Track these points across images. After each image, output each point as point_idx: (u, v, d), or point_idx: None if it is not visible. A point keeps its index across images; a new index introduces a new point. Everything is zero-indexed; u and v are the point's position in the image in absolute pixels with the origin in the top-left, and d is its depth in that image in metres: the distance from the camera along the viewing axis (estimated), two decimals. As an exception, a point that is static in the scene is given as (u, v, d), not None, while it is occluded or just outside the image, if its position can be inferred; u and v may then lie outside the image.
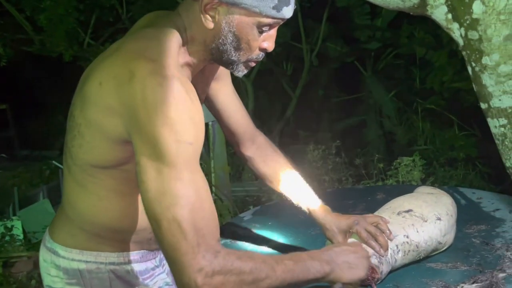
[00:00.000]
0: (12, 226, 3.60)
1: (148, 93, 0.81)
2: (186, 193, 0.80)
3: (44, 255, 1.05)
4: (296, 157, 4.46)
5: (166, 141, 0.80)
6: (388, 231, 1.10)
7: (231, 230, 1.52)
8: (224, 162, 3.28)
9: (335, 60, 5.88)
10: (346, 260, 0.96)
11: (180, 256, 0.78)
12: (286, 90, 5.73)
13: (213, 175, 3.19)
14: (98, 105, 0.88)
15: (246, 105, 5.20)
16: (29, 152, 7.23)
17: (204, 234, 0.80)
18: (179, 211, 0.79)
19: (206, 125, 3.17)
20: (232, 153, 4.27)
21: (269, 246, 1.38)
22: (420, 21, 5.13)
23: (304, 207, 1.20)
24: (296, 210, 1.57)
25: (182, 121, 0.81)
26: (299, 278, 0.87)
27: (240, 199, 3.73)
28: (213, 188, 3.17)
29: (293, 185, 1.22)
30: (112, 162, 0.93)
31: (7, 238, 3.53)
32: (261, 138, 1.26)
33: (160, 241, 0.81)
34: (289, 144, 5.33)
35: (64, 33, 4.19)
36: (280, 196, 1.29)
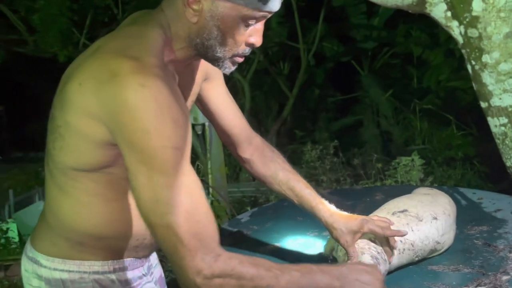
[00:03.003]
0: (8, 228, 3.57)
1: (129, 95, 0.77)
2: (178, 199, 0.78)
3: (25, 265, 1.01)
4: (293, 157, 4.46)
5: (153, 147, 0.78)
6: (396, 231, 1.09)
7: (228, 233, 1.50)
8: (221, 163, 3.25)
9: (332, 59, 5.88)
10: (359, 278, 0.90)
11: (179, 260, 0.78)
12: (282, 90, 5.71)
13: (210, 176, 3.16)
14: (77, 106, 0.84)
15: (242, 105, 5.19)
16: (24, 154, 7.18)
17: (201, 238, 0.78)
18: (174, 218, 0.77)
19: (203, 125, 3.14)
20: (229, 154, 4.24)
21: (266, 249, 1.36)
22: (417, 20, 5.12)
23: (308, 207, 1.16)
24: (294, 211, 1.55)
25: (166, 125, 0.78)
26: None
27: (237, 200, 3.71)
28: (210, 190, 3.15)
29: (294, 185, 1.17)
30: (94, 165, 0.89)
31: (2, 240, 3.50)
32: (257, 139, 1.23)
33: (160, 246, 0.81)
34: (286, 144, 5.31)
35: (57, 34, 4.16)
36: (279, 197, 1.26)
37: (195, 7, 0.85)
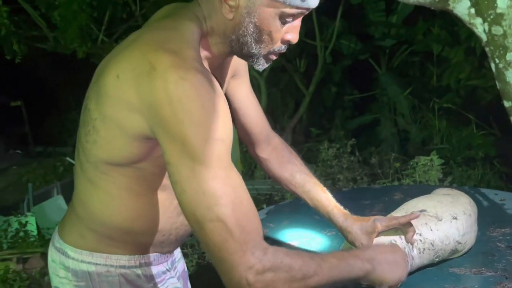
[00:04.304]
0: (26, 222, 3.63)
1: (170, 88, 0.76)
2: (224, 191, 0.77)
3: (52, 255, 1.02)
4: (308, 155, 4.42)
5: (196, 140, 0.77)
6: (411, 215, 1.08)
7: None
8: (237, 160, 3.26)
9: (349, 57, 5.82)
10: (387, 259, 0.95)
11: (228, 256, 0.76)
12: (299, 87, 5.68)
13: (225, 173, 3.16)
14: (115, 99, 0.83)
15: (258, 102, 5.20)
16: (43, 149, 7.30)
17: (249, 231, 0.77)
18: (222, 210, 0.76)
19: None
20: (244, 151, 4.24)
21: (284, 247, 1.35)
22: (436, 17, 5.03)
23: (323, 211, 1.17)
24: (311, 210, 1.53)
25: (209, 118, 0.77)
26: (343, 276, 0.86)
27: (252, 198, 3.70)
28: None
29: (310, 189, 1.18)
30: (127, 159, 0.89)
31: (21, 234, 3.56)
32: (276, 140, 1.23)
33: (204, 242, 0.78)
34: (301, 142, 5.29)
35: (77, 30, 4.20)
36: (295, 196, 1.25)
37: (231, 3, 0.84)
